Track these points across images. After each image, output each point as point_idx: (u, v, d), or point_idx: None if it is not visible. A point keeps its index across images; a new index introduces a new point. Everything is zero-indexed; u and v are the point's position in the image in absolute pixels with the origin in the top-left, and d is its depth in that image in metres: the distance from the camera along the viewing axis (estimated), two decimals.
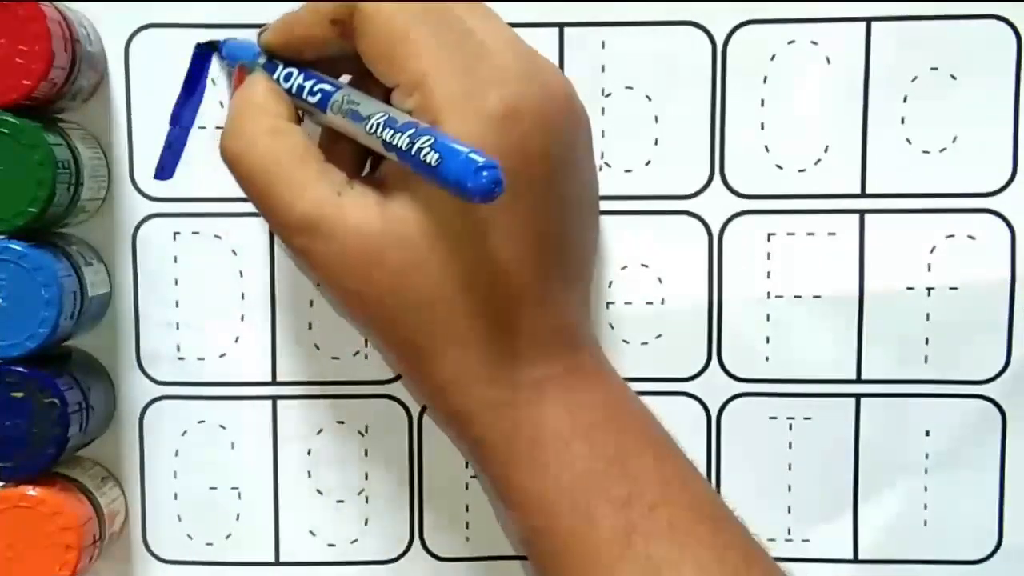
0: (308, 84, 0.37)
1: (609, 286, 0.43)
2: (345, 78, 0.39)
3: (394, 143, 0.33)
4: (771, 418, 0.44)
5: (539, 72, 0.36)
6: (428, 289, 0.35)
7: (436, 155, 0.32)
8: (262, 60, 0.39)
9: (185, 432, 0.44)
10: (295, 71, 0.38)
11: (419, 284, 0.35)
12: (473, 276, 0.35)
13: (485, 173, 0.30)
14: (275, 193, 0.36)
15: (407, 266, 0.35)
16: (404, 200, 0.35)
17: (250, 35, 0.42)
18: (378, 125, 0.34)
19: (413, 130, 0.33)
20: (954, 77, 0.43)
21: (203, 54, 0.43)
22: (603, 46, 0.43)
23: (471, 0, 0.37)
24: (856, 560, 0.44)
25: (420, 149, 0.32)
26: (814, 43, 0.42)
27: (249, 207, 0.43)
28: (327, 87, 0.37)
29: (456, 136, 0.33)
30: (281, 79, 0.38)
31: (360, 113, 0.35)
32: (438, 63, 0.34)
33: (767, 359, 0.43)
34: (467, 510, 0.45)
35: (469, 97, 0.34)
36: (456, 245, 0.35)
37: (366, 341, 0.44)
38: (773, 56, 0.43)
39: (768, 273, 0.43)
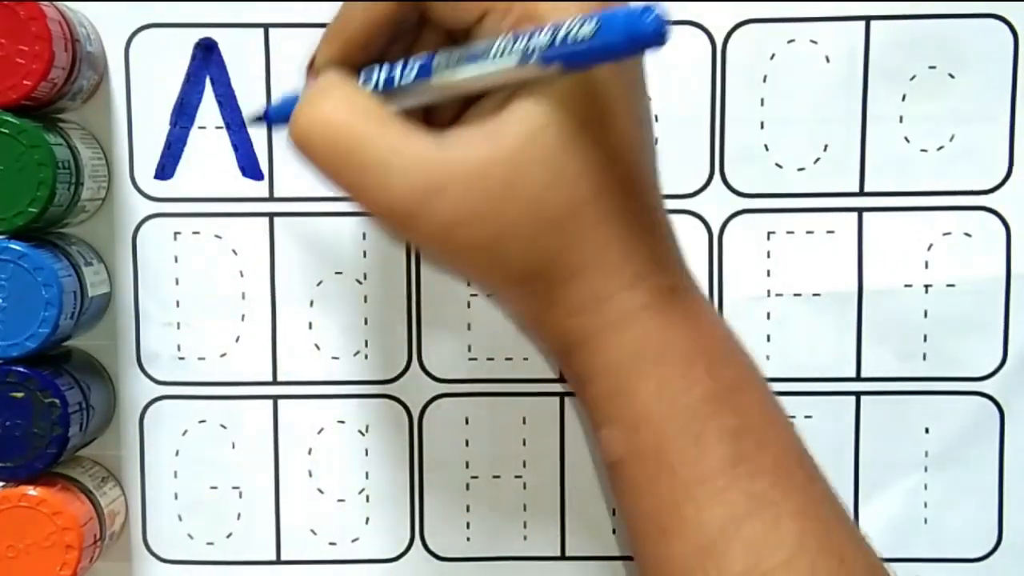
0: (396, 70, 0.35)
1: None
2: None
3: (532, 47, 0.31)
4: None
5: None
6: (568, 200, 0.33)
7: (593, 23, 0.29)
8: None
9: (186, 432, 0.44)
10: (373, 67, 0.35)
11: (559, 198, 0.33)
12: (608, 174, 0.33)
13: (653, 15, 0.28)
14: (368, 162, 0.33)
15: (546, 183, 0.32)
16: (524, 117, 0.32)
17: (250, 34, 0.43)
18: (504, 44, 0.32)
19: (545, 26, 0.31)
20: (952, 76, 0.43)
21: (203, 54, 0.43)
22: None
23: None
24: None
25: (568, 32, 0.30)
26: (813, 42, 0.43)
27: (249, 207, 0.43)
28: (418, 60, 0.34)
29: None
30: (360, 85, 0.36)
31: (475, 53, 0.33)
32: None
33: (768, 358, 0.44)
34: (467, 510, 0.45)
35: None
36: (588, 145, 0.33)
37: (366, 341, 0.44)
38: (773, 55, 0.43)
39: (768, 271, 0.43)
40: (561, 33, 0.30)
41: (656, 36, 0.29)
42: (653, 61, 0.42)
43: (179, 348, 0.44)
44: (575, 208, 0.33)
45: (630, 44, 0.29)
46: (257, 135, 0.43)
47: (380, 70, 0.35)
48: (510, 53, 0.32)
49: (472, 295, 0.44)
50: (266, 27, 0.43)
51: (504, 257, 0.34)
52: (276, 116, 0.39)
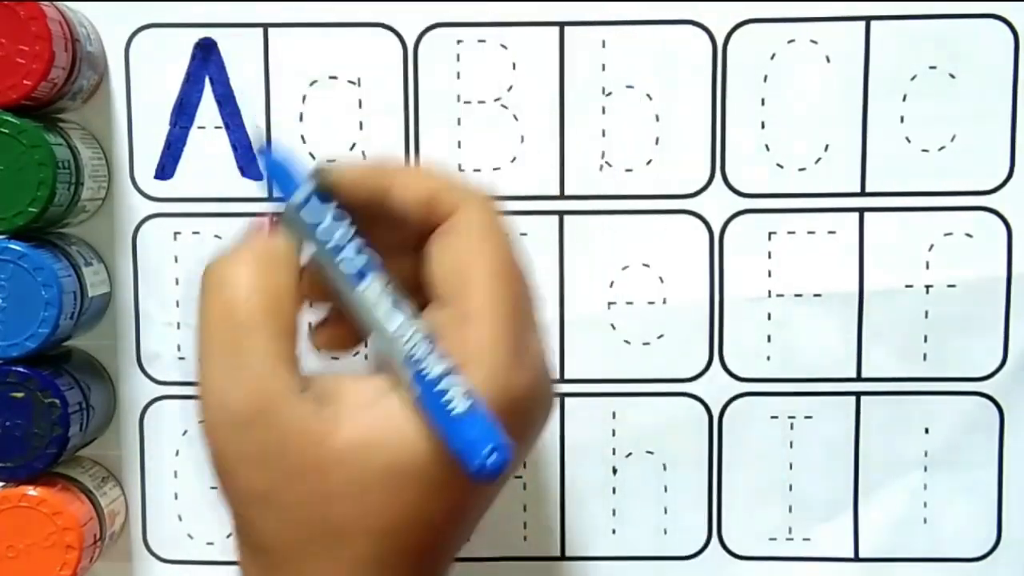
0: (351, 241, 0.32)
1: (611, 286, 0.43)
2: None
3: (417, 373, 0.30)
4: (772, 417, 0.44)
5: (551, 396, 0.34)
6: (353, 524, 0.31)
7: (464, 403, 0.30)
8: (305, 191, 0.33)
9: (185, 432, 0.44)
10: (346, 222, 0.33)
11: (345, 516, 0.31)
12: (402, 523, 0.31)
13: (494, 460, 0.29)
14: (232, 353, 0.31)
15: (340, 501, 0.30)
16: (377, 430, 0.31)
17: (249, 34, 0.42)
18: (412, 338, 0.31)
19: (439, 366, 0.30)
20: (953, 76, 0.43)
21: (203, 54, 0.43)
22: (603, 45, 0.43)
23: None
24: (857, 559, 0.44)
25: (449, 394, 0.30)
26: (814, 42, 0.43)
27: (250, 207, 0.43)
28: (370, 257, 0.33)
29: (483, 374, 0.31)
30: (329, 218, 0.32)
31: (397, 306, 0.32)
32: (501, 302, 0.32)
33: (768, 358, 0.44)
34: None
35: (516, 357, 0.31)
36: (398, 509, 0.31)
37: (366, 342, 0.44)
38: (773, 55, 0.43)
39: (769, 272, 0.43)
40: (442, 387, 0.30)
41: (481, 474, 0.29)
42: (653, 60, 0.42)
43: (179, 348, 0.44)
44: (349, 536, 0.31)
45: (462, 459, 0.29)
46: (256, 136, 0.43)
47: (346, 224, 0.33)
48: (406, 348, 0.31)
49: None
50: (265, 27, 0.42)
51: (274, 528, 0.32)
52: (272, 171, 0.34)
